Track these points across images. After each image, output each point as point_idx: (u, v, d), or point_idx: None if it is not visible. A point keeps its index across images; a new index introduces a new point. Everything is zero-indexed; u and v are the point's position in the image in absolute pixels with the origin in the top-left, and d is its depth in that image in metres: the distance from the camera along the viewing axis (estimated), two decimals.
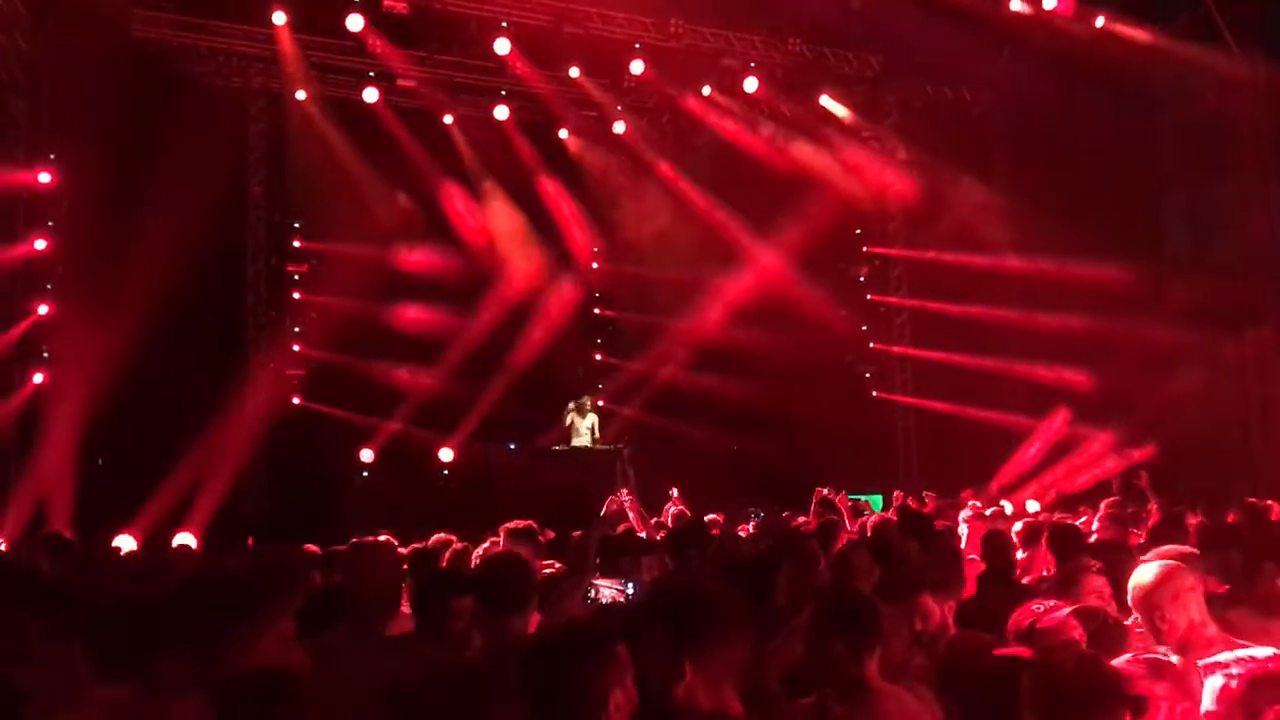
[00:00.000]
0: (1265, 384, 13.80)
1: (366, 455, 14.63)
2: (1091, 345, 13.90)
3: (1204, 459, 12.86)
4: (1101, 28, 14.17)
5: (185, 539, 10.52)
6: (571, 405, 14.57)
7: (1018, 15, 13.76)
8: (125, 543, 9.30)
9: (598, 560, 5.27)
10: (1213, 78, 13.85)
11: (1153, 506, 9.31)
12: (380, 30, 13.74)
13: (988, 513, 10.50)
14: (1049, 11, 13.71)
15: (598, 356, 17.56)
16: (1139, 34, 14.00)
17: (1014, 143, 15.29)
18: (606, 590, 5.15)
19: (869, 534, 7.01)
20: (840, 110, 15.98)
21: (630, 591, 5.11)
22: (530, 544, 5.75)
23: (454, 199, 15.95)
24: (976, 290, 15.43)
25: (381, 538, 6.13)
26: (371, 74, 14.75)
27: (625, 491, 9.48)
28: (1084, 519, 8.50)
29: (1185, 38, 13.77)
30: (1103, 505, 9.21)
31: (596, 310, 17.74)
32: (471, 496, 12.90)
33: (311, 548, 5.90)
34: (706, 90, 15.68)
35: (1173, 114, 14.93)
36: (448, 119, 15.77)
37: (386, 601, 4.75)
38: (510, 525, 6.07)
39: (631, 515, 8.67)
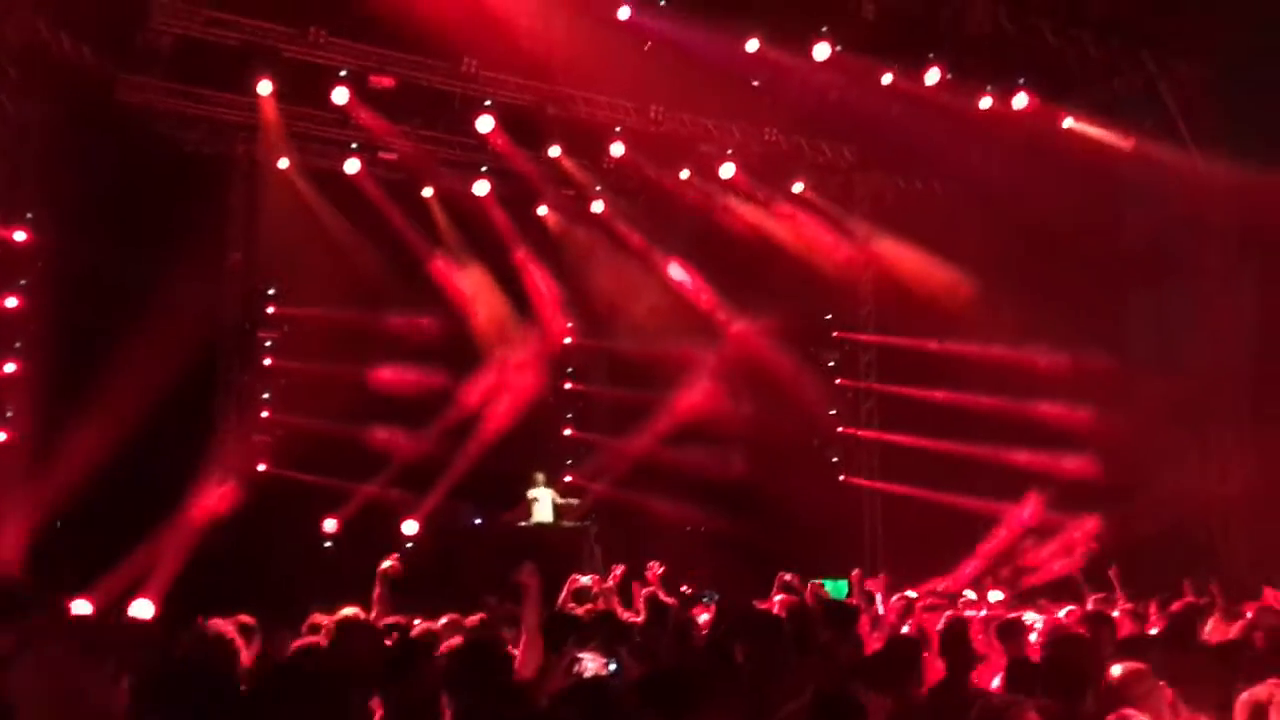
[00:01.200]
0: (1226, 484, 13.99)
1: (330, 525, 14.51)
2: (1060, 435, 14.10)
3: (1167, 555, 13.00)
4: (1069, 128, 14.59)
5: (142, 607, 10.38)
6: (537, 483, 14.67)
7: (988, 112, 14.12)
8: (81, 607, 9.16)
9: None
10: (1178, 180, 14.24)
11: (1119, 599, 9.41)
12: (365, 104, 13.92)
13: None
14: (1018, 110, 14.07)
15: (567, 431, 17.58)
16: (1106, 135, 14.44)
17: (983, 235, 15.57)
18: (590, 664, 5.13)
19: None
20: (814, 198, 16.29)
21: (613, 669, 5.11)
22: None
23: (433, 268, 16.07)
24: (944, 376, 15.67)
25: (348, 612, 6.02)
26: (354, 145, 14.90)
27: (614, 571, 9.48)
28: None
29: (1152, 140, 14.20)
30: (1090, 600, 9.31)
31: (568, 385, 17.79)
32: (435, 571, 12.78)
33: (247, 618, 5.77)
34: (685, 174, 15.95)
35: (1139, 213, 15.32)
36: (427, 191, 15.93)
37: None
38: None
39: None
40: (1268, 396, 13.96)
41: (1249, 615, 7.34)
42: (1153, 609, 8.63)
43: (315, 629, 5.81)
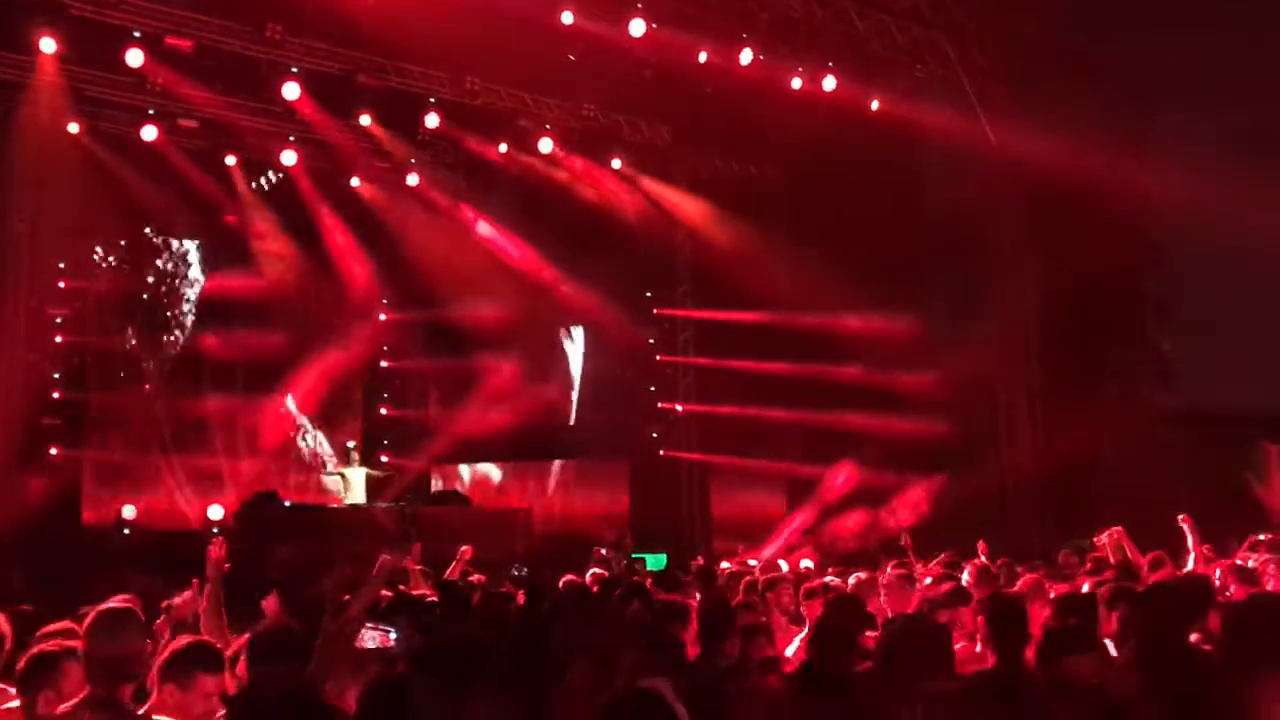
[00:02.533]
0: (1000, 448, 14.87)
1: (129, 511, 13.81)
2: (866, 396, 14.65)
3: (960, 520, 13.72)
4: (877, 109, 15.10)
5: None
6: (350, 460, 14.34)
7: (799, 93, 14.46)
8: None
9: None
10: (974, 161, 14.96)
11: (916, 567, 9.82)
12: (162, 67, 13.20)
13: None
14: (828, 92, 14.47)
15: (383, 411, 17.22)
16: (910, 115, 15.01)
17: (794, 210, 15.97)
18: (371, 635, 5.04)
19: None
20: (632, 174, 16.38)
21: (394, 638, 5.03)
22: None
23: (242, 234, 15.49)
24: (760, 347, 16.12)
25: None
26: (151, 111, 14.11)
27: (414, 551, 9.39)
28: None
29: (951, 122, 14.85)
30: (889, 567, 9.66)
31: (384, 363, 17.42)
32: (244, 556, 12.32)
33: (25, 608, 5.41)
34: (503, 147, 15.77)
35: (939, 191, 16.04)
36: (230, 160, 15.25)
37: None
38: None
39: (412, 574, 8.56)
40: (1051, 371, 14.91)
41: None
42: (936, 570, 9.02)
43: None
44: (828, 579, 8.68)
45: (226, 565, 5.70)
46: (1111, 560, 9.00)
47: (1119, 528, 8.94)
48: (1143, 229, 14.70)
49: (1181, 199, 12.43)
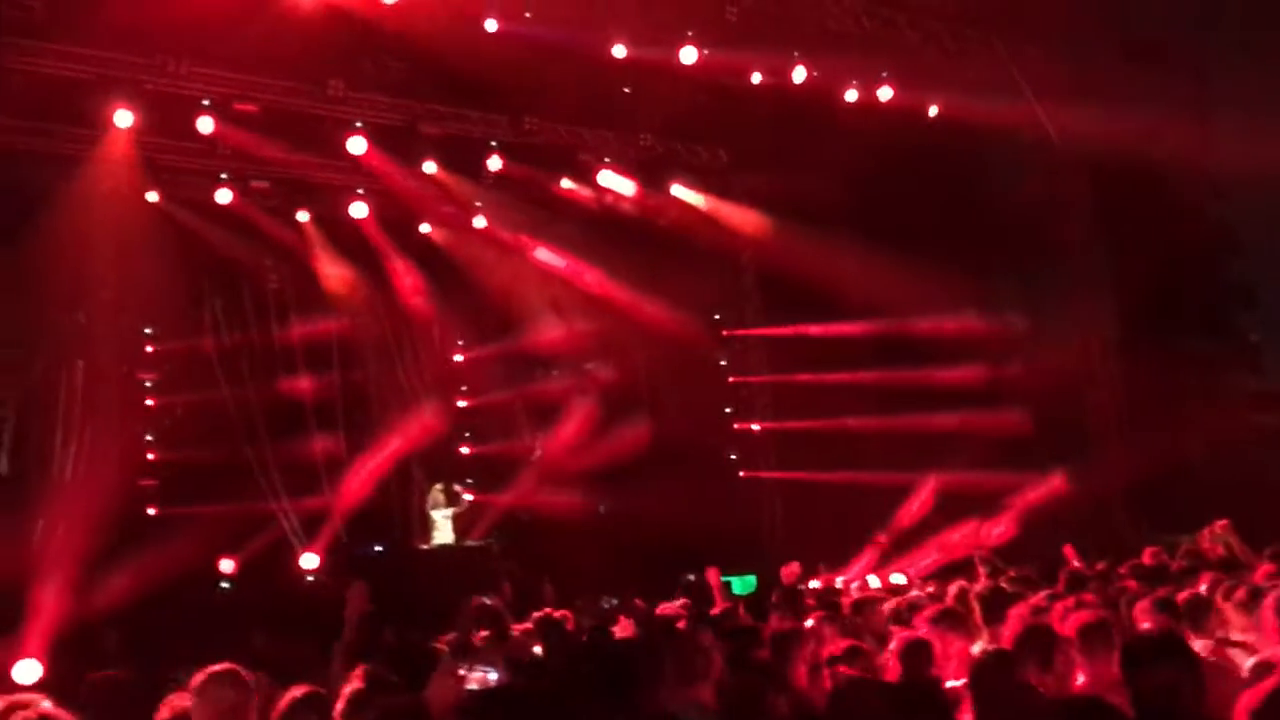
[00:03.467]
0: (1085, 445, 14.59)
1: (227, 565, 14.14)
2: (945, 399, 14.50)
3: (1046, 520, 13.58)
4: (935, 116, 15.04)
5: (27, 668, 10.00)
6: (430, 498, 14.57)
7: (855, 106, 14.47)
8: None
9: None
10: (1037, 159, 14.81)
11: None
12: (232, 132, 13.64)
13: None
14: (884, 102, 14.44)
15: (465, 450, 17.42)
16: (969, 117, 14.91)
17: (858, 221, 15.90)
18: (475, 677, 5.16)
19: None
20: (694, 198, 16.44)
21: (493, 679, 5.14)
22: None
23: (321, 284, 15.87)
24: (832, 359, 16.08)
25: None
26: (224, 175, 14.55)
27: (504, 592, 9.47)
28: None
29: (1015, 124, 14.72)
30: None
31: (462, 402, 17.63)
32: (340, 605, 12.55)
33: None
34: (565, 182, 15.96)
35: (1003, 193, 15.88)
36: (302, 215, 15.63)
37: None
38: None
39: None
40: (1134, 365, 14.64)
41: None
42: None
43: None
44: (915, 593, 8.62)
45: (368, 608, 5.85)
46: (1211, 555, 8.79)
47: (1224, 520, 8.71)
48: (1218, 216, 14.40)
49: (1256, 183, 12.17)
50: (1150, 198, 13.58)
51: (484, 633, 7.73)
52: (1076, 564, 9.57)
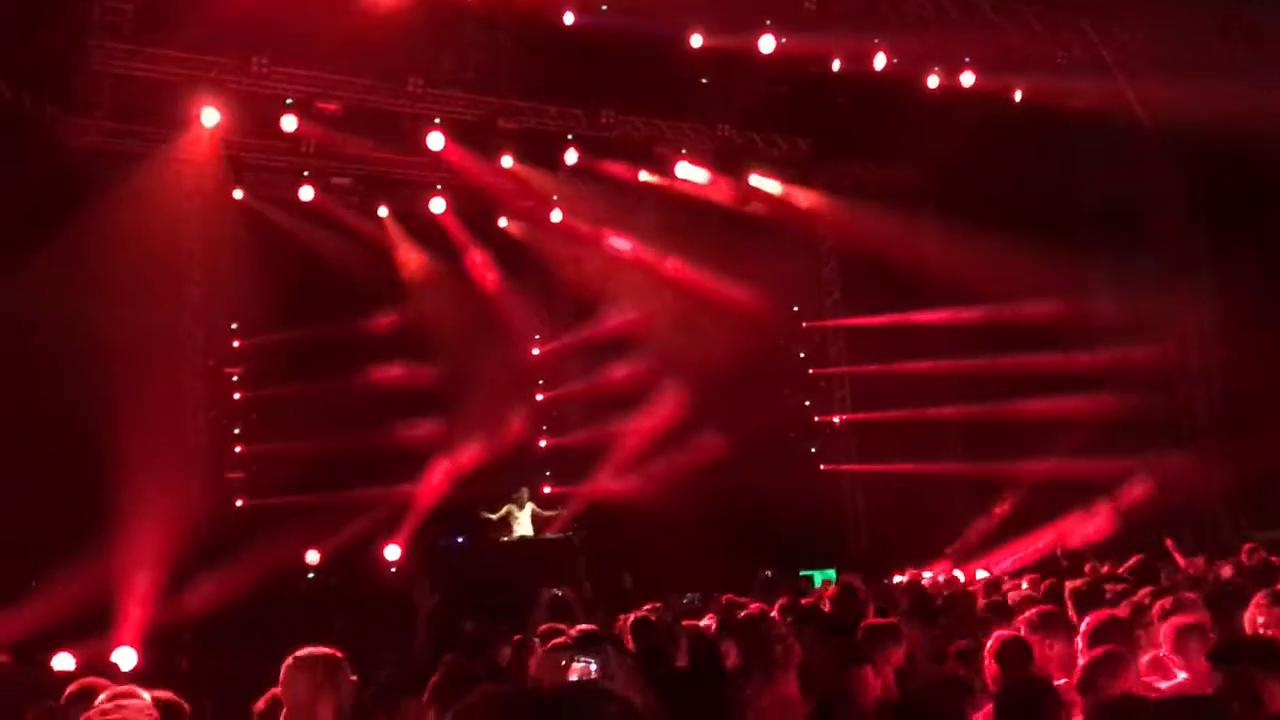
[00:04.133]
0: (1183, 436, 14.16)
1: (312, 556, 14.38)
2: (1033, 386, 14.18)
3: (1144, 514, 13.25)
4: (1021, 100, 14.68)
5: (124, 655, 10.25)
6: (512, 500, 14.67)
7: (937, 92, 14.18)
8: (64, 662, 9.02)
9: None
10: (1130, 145, 14.37)
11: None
12: (314, 129, 13.87)
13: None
14: (967, 88, 14.14)
15: (543, 443, 17.49)
16: (1057, 101, 14.54)
17: (942, 210, 15.63)
18: (576, 667, 5.12)
19: None
20: (773, 186, 16.27)
21: (594, 668, 5.10)
22: None
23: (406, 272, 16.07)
24: (914, 350, 15.85)
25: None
26: (306, 173, 14.79)
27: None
28: None
29: (1105, 108, 14.30)
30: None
31: (539, 396, 17.70)
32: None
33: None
34: (644, 175, 15.91)
35: (1094, 178, 15.42)
36: (382, 211, 15.82)
37: None
38: None
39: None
40: (1233, 353, 14.14)
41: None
42: None
43: None
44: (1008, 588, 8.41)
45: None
46: None
47: None
48: None
49: None
50: (1251, 181, 13.07)
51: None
52: (1179, 559, 9.28)
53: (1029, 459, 14.58)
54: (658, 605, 8.71)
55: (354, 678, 4.78)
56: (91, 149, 13.07)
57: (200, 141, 13.57)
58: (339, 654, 4.63)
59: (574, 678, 4.99)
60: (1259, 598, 5.13)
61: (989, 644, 5.00)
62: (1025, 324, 14.40)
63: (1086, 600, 6.32)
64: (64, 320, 11.89)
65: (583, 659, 5.12)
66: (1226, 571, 8.26)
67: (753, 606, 7.62)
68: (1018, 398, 14.39)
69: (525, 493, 15.04)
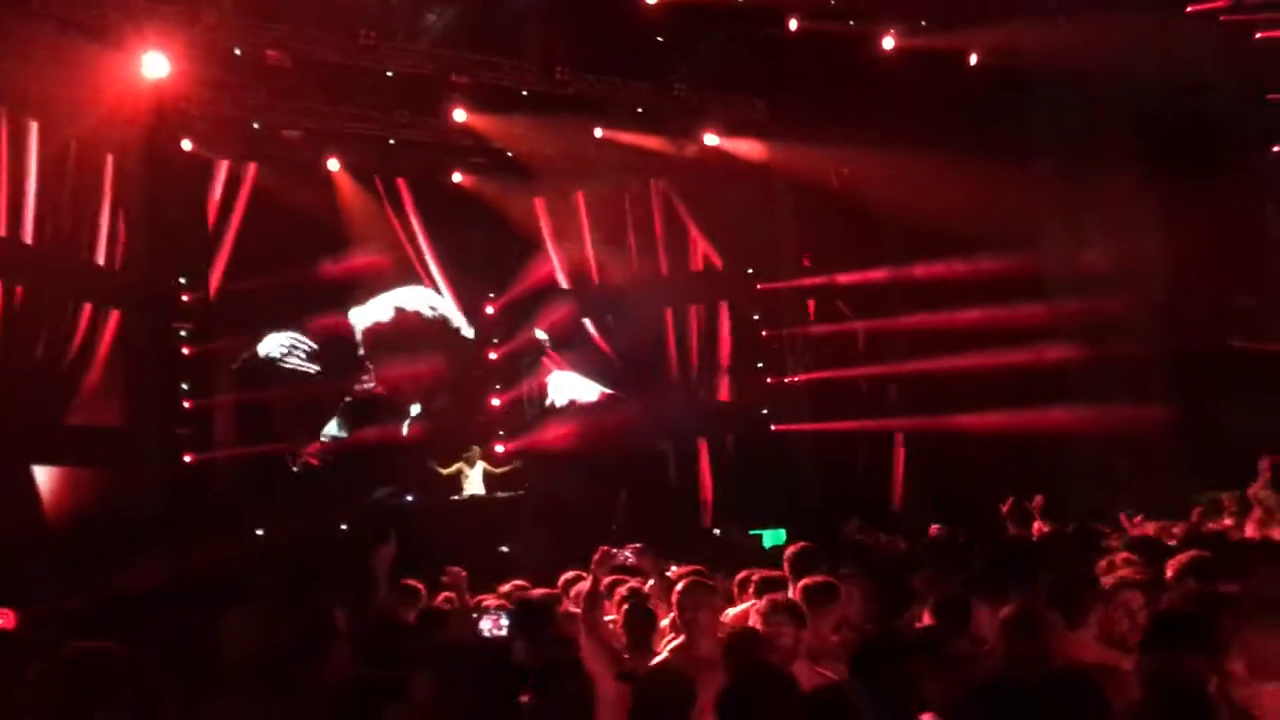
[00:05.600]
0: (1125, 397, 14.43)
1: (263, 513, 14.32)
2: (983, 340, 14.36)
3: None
4: (977, 63, 14.73)
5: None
6: (463, 458, 14.72)
7: (893, 54, 14.20)
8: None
9: None
10: (1084, 99, 14.53)
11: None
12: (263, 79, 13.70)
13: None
14: (921, 48, 14.15)
15: (495, 401, 17.46)
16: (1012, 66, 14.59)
17: (896, 172, 15.63)
18: (486, 623, 5.21)
19: None
20: (729, 145, 16.20)
21: (504, 623, 5.18)
22: None
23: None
24: (870, 308, 15.99)
25: None
26: (256, 125, 14.61)
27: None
28: None
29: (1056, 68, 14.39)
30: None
31: (493, 355, 17.65)
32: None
33: None
34: (598, 132, 15.80)
35: (1046, 134, 15.53)
36: (333, 164, 15.63)
37: None
38: None
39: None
40: (1178, 317, 14.38)
41: None
42: None
43: None
44: None
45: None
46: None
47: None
48: (1267, 172, 14.05)
49: None
50: (1198, 144, 13.26)
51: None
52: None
53: (979, 413, 14.71)
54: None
55: None
56: None
57: (148, 92, 13.30)
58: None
59: (485, 631, 5.10)
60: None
61: None
62: (978, 278, 14.56)
63: None
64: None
65: (493, 614, 5.20)
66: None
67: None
68: (970, 351, 14.53)
69: (477, 450, 15.07)
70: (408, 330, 16.66)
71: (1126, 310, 15.04)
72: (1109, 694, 2.89)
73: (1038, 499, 9.67)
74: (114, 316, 13.32)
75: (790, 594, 5.20)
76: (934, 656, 3.81)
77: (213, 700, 4.00)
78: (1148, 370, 15.15)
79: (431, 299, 17.02)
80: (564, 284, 17.33)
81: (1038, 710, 2.76)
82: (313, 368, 15.60)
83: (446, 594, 6.62)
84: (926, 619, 4.92)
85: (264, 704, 3.98)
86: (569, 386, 17.31)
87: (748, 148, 16.18)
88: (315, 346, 15.67)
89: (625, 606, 5.42)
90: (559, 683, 3.56)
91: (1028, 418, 14.20)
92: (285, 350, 15.51)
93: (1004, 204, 14.32)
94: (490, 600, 6.05)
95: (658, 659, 4.78)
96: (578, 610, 5.53)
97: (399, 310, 16.67)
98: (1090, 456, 15.02)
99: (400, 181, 16.36)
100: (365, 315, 16.46)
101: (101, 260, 13.20)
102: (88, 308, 12.95)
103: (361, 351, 16.36)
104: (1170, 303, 14.90)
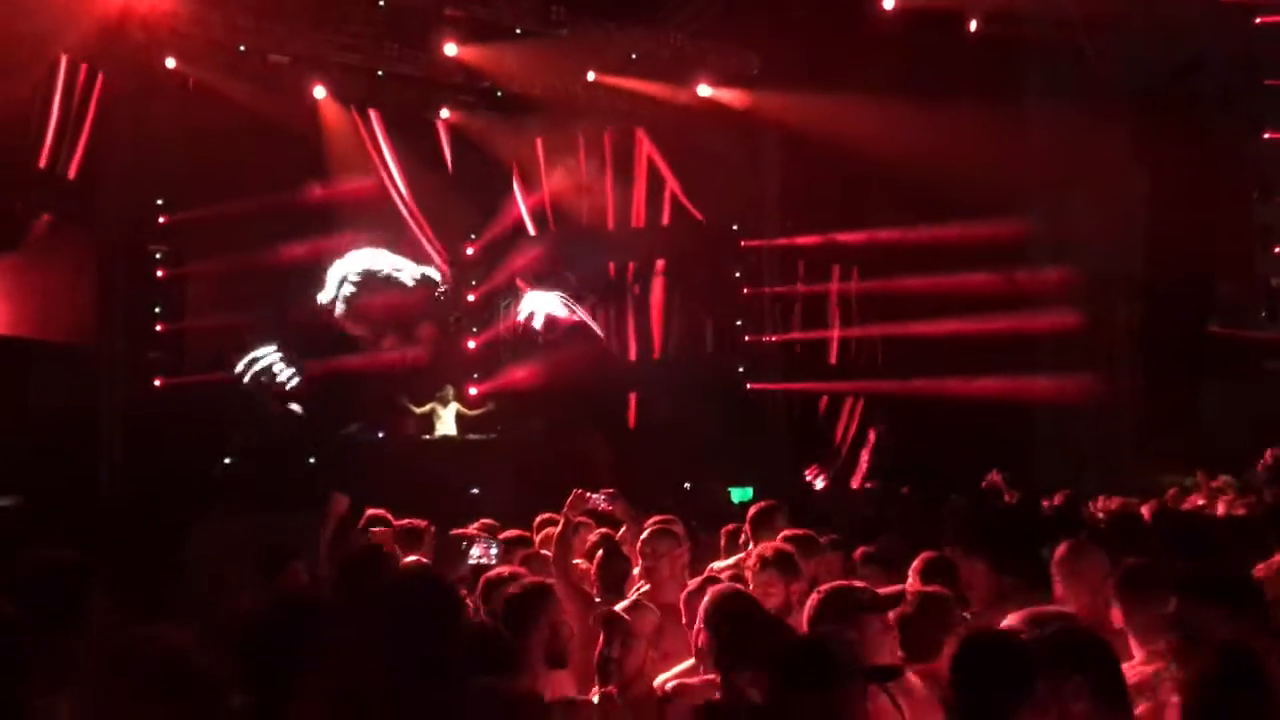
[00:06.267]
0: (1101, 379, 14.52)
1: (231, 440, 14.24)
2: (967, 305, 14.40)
3: None
4: (976, 32, 14.60)
5: None
6: (436, 398, 14.69)
7: (891, 15, 14.04)
8: None
9: None
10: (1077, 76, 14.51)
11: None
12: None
13: None
14: (922, 10, 14.02)
15: (471, 344, 17.37)
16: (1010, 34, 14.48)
17: (888, 133, 15.53)
18: (476, 552, 5.17)
19: None
20: (721, 97, 16.05)
21: (494, 552, 5.15)
22: None
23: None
24: (850, 270, 15.97)
25: None
26: (242, 48, 14.31)
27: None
28: None
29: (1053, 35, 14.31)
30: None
31: (471, 296, 17.54)
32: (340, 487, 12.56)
33: None
34: (591, 76, 15.61)
35: (1042, 110, 15.46)
36: (319, 92, 15.38)
37: None
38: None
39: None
40: (1158, 299, 14.43)
41: None
42: None
43: None
44: None
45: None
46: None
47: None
48: (1256, 158, 14.05)
49: None
50: (1188, 129, 13.21)
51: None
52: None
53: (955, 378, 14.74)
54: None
55: None
56: None
57: (132, 10, 13.02)
58: None
59: (474, 559, 5.06)
60: None
61: None
62: (959, 243, 14.54)
63: None
64: None
65: (483, 543, 5.16)
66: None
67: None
68: (950, 316, 14.55)
69: (450, 391, 15.02)
70: (381, 297, 16.56)
71: (1105, 283, 15.07)
72: None
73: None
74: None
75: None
76: None
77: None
78: (1121, 347, 15.24)
79: (391, 260, 16.86)
80: (531, 230, 17.12)
81: None
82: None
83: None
84: None
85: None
86: (544, 304, 17.21)
87: (739, 101, 16.05)
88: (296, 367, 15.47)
89: (599, 552, 5.41)
90: None
91: (999, 385, 14.25)
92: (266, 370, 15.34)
93: (993, 170, 14.30)
94: (473, 529, 5.99)
95: (624, 604, 4.77)
96: (549, 553, 5.51)
97: (366, 278, 16.56)
98: (1056, 429, 15.13)
99: (378, 113, 16.08)
100: (331, 295, 16.35)
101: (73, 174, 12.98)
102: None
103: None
104: (1151, 281, 14.95)
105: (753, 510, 6.00)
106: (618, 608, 4.38)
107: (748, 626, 3.56)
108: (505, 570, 4.56)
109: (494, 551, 5.09)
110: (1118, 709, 2.93)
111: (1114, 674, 2.98)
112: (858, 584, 4.02)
